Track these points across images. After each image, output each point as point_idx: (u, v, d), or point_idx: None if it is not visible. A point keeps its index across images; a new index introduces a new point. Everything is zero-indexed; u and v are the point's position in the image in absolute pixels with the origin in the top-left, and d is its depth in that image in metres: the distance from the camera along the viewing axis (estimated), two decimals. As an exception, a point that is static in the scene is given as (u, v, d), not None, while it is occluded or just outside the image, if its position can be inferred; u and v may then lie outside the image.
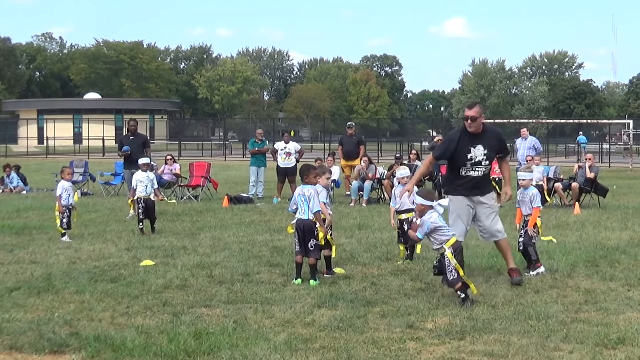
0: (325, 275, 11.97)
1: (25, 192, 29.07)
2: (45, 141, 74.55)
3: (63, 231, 16.31)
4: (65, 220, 16.42)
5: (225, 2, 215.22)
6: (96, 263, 13.27)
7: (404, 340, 8.35)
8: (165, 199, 21.83)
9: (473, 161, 11.29)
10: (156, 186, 18.07)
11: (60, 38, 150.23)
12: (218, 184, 27.85)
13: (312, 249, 11.65)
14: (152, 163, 22.08)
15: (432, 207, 10.26)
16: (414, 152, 27.88)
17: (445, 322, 9.09)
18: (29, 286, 11.16)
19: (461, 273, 10.05)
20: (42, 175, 37.39)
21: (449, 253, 10.10)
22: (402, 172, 14.12)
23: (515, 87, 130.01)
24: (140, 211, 17.33)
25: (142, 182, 17.61)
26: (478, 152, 11.27)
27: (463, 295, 9.97)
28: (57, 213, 16.61)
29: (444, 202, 10.74)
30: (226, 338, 8.34)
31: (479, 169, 11.33)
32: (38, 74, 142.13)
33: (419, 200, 10.36)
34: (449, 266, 10.09)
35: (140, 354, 7.82)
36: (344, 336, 8.53)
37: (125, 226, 18.43)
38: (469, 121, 11.25)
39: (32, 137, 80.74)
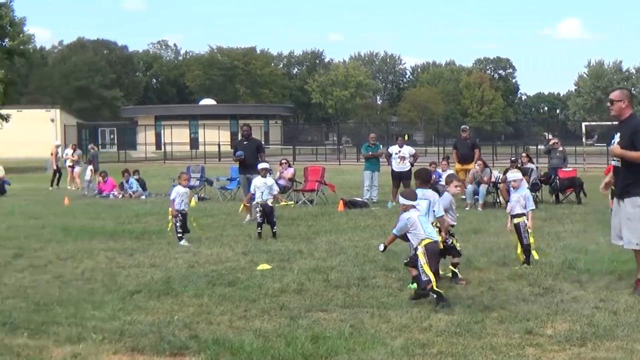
0: (459, 282, 11.78)
1: (143, 197, 29.78)
2: (162, 146, 76.19)
3: (179, 235, 16.64)
4: (178, 224, 16.74)
5: (336, 7, 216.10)
6: (214, 267, 13.51)
7: (523, 346, 8.23)
8: (284, 201, 22.09)
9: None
10: (275, 191, 18.19)
11: (175, 45, 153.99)
12: (335, 186, 27.96)
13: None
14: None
15: (413, 206, 10.72)
16: (524, 154, 27.46)
17: (565, 328, 8.92)
18: (149, 289, 11.44)
19: (428, 272, 10.19)
20: (160, 180, 38.23)
21: (420, 252, 10.35)
22: (513, 175, 13.90)
23: (633, 88, 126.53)
24: (258, 215, 17.58)
25: (259, 188, 17.83)
26: (615, 141, 10.95)
27: (435, 295, 10.15)
28: (170, 217, 16.97)
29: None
30: (343, 342, 8.38)
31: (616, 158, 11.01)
32: (154, 80, 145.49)
33: (401, 199, 10.92)
34: (420, 266, 10.29)
35: (258, 357, 7.92)
36: (461, 341, 8.47)
37: (241, 230, 18.70)
38: (609, 104, 11.01)
39: (150, 143, 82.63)
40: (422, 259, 10.29)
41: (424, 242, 10.41)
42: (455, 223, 12.49)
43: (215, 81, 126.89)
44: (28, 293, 11.30)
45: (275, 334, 8.82)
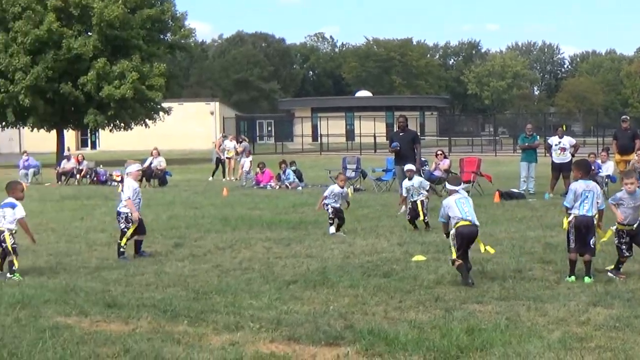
0: (618, 276, 11.42)
1: (300, 188, 30.18)
2: (319, 138, 76.95)
3: (330, 221, 16.88)
4: (331, 214, 16.92)
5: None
6: (369, 257, 13.57)
7: (688, 344, 7.92)
8: (437, 192, 22.01)
9: None
10: (426, 186, 18.09)
11: (331, 37, 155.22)
12: (491, 177, 27.61)
13: (592, 246, 11.27)
14: (421, 166, 22.30)
15: (456, 191, 11.62)
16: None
17: None
18: (305, 279, 11.60)
19: (454, 253, 11.16)
20: (316, 171, 38.63)
21: (451, 233, 11.31)
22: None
23: None
24: (410, 207, 17.57)
25: (409, 191, 17.79)
26: None
27: (461, 275, 11.09)
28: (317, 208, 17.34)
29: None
30: (498, 334, 8.28)
31: None
32: (311, 73, 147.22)
33: (447, 185, 12.12)
34: (450, 247, 11.43)
35: (413, 348, 7.91)
36: (620, 336, 8.23)
37: (396, 222, 18.68)
38: None
39: (307, 135, 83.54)
40: (452, 241, 11.20)
41: (458, 224, 11.20)
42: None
43: (371, 73, 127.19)
44: (188, 282, 11.65)
45: (430, 325, 8.80)
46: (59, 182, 35.53)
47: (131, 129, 59.41)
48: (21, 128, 64.46)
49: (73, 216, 20.99)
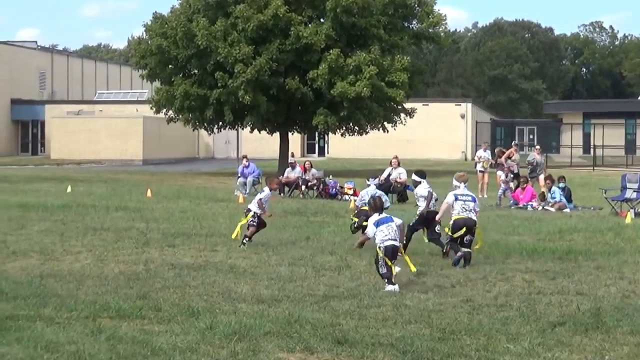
0: None
1: (568, 210, 29.65)
2: (591, 150, 75.31)
3: None
4: None
5: None
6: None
7: None
8: None
9: None
10: None
11: (611, 27, 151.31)
12: None
13: None
14: None
15: None
16: None
17: None
18: (575, 321, 11.41)
19: None
20: (588, 190, 37.85)
21: None
22: None
23: None
24: None
25: None
26: None
27: None
28: None
29: None
30: None
31: None
32: (584, 70, 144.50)
33: None
34: None
35: None
36: None
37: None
38: None
39: (577, 145, 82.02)
40: None
41: None
42: None
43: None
44: (432, 318, 11.71)
45: None
46: (281, 194, 35.90)
47: (366, 133, 59.35)
48: (239, 129, 66.00)
49: (297, 235, 21.47)
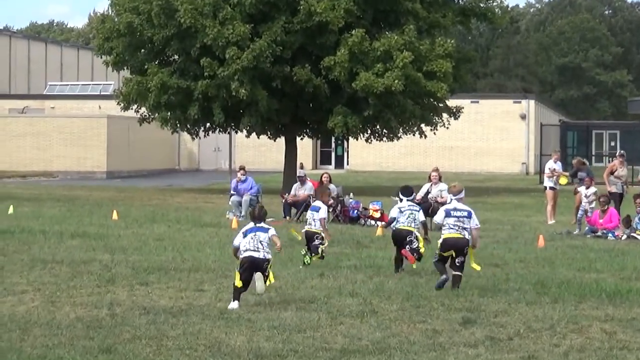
0: None
1: (661, 240, 29.66)
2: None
3: None
4: None
5: None
6: None
7: None
8: None
9: None
10: None
11: None
12: None
13: None
14: None
15: None
16: None
17: None
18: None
19: None
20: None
21: None
22: None
23: None
24: None
25: None
26: None
27: None
28: None
29: None
30: None
31: None
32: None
33: None
34: None
35: None
36: None
37: None
38: None
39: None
40: None
41: None
42: None
43: None
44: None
45: None
46: (287, 217, 35.78)
47: (398, 138, 58.20)
48: (232, 132, 64.60)
49: (307, 270, 21.43)
